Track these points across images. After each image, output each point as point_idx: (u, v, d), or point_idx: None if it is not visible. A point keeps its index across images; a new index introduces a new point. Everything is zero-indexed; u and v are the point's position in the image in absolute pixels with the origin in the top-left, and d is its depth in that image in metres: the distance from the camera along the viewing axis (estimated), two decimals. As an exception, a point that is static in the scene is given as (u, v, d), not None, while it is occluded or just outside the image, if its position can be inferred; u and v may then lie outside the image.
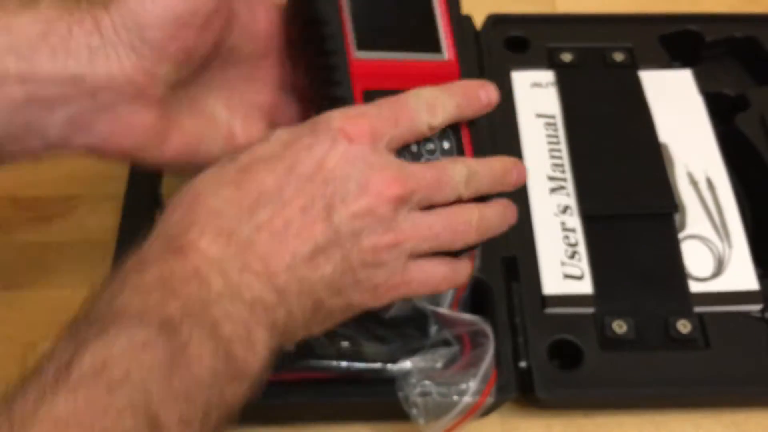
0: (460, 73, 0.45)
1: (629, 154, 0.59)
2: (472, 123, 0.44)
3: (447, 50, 0.45)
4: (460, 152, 0.43)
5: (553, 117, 0.62)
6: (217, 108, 0.43)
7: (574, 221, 0.56)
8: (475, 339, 0.48)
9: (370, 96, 0.41)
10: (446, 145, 0.43)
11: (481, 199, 0.42)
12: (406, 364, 0.47)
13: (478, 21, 0.67)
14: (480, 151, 0.44)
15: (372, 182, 0.38)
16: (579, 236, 0.56)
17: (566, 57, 0.65)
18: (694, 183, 0.59)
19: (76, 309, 0.56)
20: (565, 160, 0.59)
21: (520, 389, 0.49)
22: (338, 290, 0.38)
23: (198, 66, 0.41)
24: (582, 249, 0.55)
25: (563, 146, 0.60)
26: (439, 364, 0.47)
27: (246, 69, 0.44)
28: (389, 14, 0.45)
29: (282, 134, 0.39)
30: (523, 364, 0.50)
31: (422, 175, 0.39)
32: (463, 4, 0.69)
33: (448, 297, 0.49)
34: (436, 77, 0.43)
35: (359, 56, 0.42)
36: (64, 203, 0.62)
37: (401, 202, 0.38)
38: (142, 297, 0.34)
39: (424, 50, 0.44)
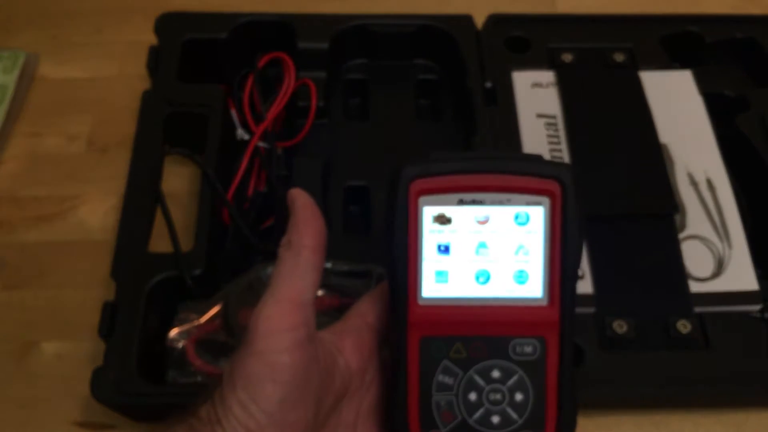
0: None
1: (629, 155, 0.60)
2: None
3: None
4: (540, 409, 0.37)
5: (553, 117, 0.62)
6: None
7: (575, 221, 0.56)
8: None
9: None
10: (519, 397, 0.37)
11: None
12: None
13: (479, 21, 0.67)
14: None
15: None
16: (579, 236, 0.56)
17: (567, 57, 0.65)
18: (694, 183, 0.59)
19: (76, 309, 0.57)
20: (566, 161, 0.59)
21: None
22: None
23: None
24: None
25: (564, 146, 0.60)
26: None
27: (357, 392, 0.41)
28: None
29: None
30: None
31: None
32: (463, 4, 0.69)
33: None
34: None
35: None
36: (64, 203, 0.63)
37: None
38: None
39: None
